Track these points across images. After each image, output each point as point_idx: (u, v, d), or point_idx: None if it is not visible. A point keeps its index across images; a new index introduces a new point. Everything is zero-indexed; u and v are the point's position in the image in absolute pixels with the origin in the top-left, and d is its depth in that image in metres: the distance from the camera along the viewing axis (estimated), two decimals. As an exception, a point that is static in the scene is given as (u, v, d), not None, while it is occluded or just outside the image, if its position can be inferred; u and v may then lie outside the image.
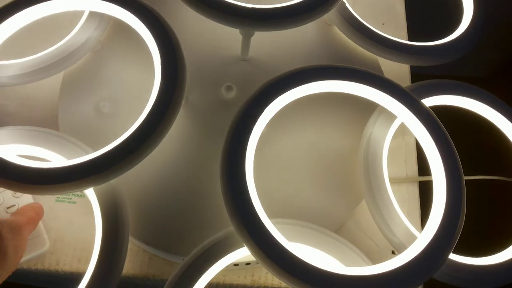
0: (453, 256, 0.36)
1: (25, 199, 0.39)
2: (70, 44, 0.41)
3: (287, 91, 0.35)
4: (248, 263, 0.38)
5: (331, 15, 0.45)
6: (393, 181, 0.43)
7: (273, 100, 0.35)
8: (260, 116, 0.34)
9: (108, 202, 0.34)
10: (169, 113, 0.34)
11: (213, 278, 0.38)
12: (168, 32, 0.37)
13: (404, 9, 0.53)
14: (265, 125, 0.35)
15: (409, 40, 0.51)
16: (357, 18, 0.44)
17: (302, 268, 0.30)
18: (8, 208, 0.39)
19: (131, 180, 0.37)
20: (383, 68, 0.47)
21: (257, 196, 0.32)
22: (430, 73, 0.52)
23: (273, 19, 0.38)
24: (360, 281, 0.30)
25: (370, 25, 0.45)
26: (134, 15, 0.37)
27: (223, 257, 0.34)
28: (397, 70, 0.47)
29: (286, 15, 0.38)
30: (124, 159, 0.32)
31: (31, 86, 0.42)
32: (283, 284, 0.39)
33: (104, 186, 0.34)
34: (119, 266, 0.34)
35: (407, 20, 0.53)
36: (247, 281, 0.39)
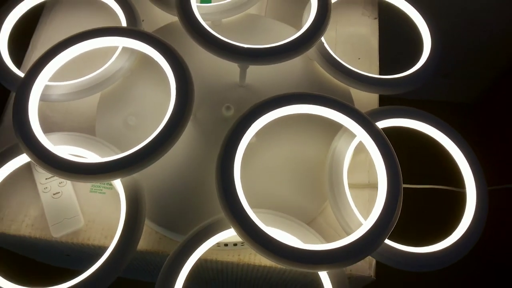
0: (392, 244, 0.46)
1: (67, 188, 0.51)
2: (107, 71, 0.53)
3: (270, 111, 0.47)
4: (235, 244, 0.49)
5: (312, 52, 0.56)
6: (357, 186, 0.53)
7: (258, 118, 0.46)
8: (248, 131, 0.45)
9: (131, 191, 0.46)
10: (180, 125, 0.45)
11: (207, 256, 0.49)
12: (181, 64, 0.48)
13: (378, 45, 0.64)
14: (251, 137, 0.46)
15: (380, 71, 0.62)
16: (332, 55, 0.56)
17: (274, 244, 0.41)
18: (54, 194, 0.50)
19: (149, 175, 0.49)
20: (356, 94, 0.57)
21: (242, 191, 0.43)
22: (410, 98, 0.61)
23: (263, 56, 0.49)
24: (314, 254, 0.40)
25: (347, 59, 0.56)
26: (156, 50, 0.49)
27: (214, 235, 0.45)
28: (368, 96, 0.58)
29: (273, 53, 0.50)
30: (144, 159, 0.43)
31: (74, 102, 0.54)
32: (263, 262, 0.49)
33: (129, 178, 0.46)
34: (136, 241, 0.45)
35: (380, 54, 0.64)
36: (235, 259, 0.50)
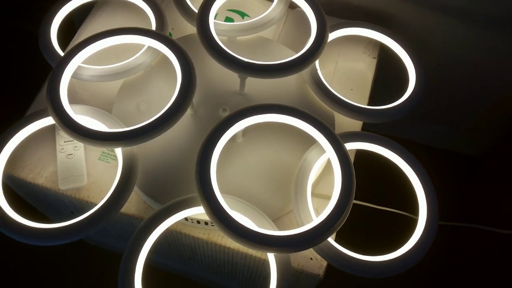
0: (342, 249, 0.53)
1: (79, 152, 0.61)
2: (132, 63, 0.63)
3: (253, 115, 0.55)
4: (206, 223, 0.57)
5: (306, 75, 0.65)
6: (322, 196, 0.60)
7: (242, 119, 0.54)
8: (230, 128, 0.54)
9: (127, 159, 0.55)
10: (179, 111, 0.54)
11: (182, 229, 0.57)
12: (189, 65, 0.58)
13: (372, 80, 0.71)
14: (232, 134, 0.54)
15: (370, 103, 0.70)
16: (322, 81, 0.64)
17: (231, 223, 0.48)
18: (68, 155, 0.60)
19: (148, 152, 0.58)
20: (341, 119, 0.65)
21: (215, 176, 0.51)
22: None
23: (258, 70, 0.58)
24: (264, 237, 0.48)
25: (341, 88, 0.64)
26: (172, 51, 0.59)
27: (185, 209, 0.53)
28: (351, 122, 0.65)
29: (267, 69, 0.58)
30: (142, 135, 0.53)
31: (101, 84, 0.65)
32: (227, 244, 0.57)
33: (128, 149, 0.56)
34: (126, 197, 0.54)
35: (373, 89, 0.72)
36: (204, 237, 0.57)
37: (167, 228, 0.54)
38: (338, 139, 0.55)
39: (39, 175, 0.60)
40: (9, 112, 0.67)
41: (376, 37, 0.70)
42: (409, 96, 0.65)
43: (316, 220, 0.50)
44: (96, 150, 0.62)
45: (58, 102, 0.55)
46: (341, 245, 0.54)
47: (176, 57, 0.58)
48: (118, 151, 0.57)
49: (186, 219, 0.57)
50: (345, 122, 0.65)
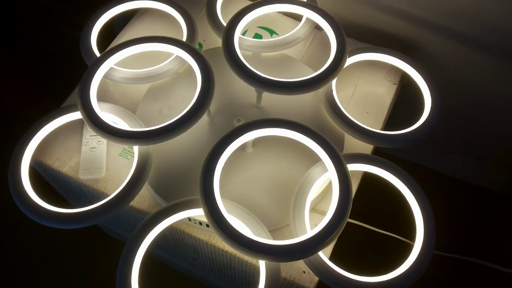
0: (336, 268, 0.54)
1: (102, 146, 0.66)
2: (160, 69, 0.68)
3: (258, 129, 0.58)
4: (207, 225, 0.60)
5: (320, 94, 0.67)
6: (321, 212, 0.62)
7: (248, 132, 0.57)
8: (237, 139, 0.57)
9: (142, 157, 0.60)
10: (194, 118, 0.58)
11: (185, 228, 0.60)
12: (210, 74, 0.61)
13: (389, 106, 0.73)
14: (239, 144, 0.57)
15: (384, 126, 0.71)
16: (336, 102, 0.66)
17: (227, 227, 0.51)
18: (91, 148, 0.66)
19: (162, 151, 0.63)
20: (352, 141, 0.66)
21: (218, 182, 0.54)
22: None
23: (273, 86, 0.61)
24: (256, 244, 0.50)
25: (357, 111, 0.66)
26: (195, 60, 0.63)
27: (186, 210, 0.56)
28: (361, 145, 0.67)
29: (282, 86, 0.61)
30: (157, 136, 0.57)
31: (131, 86, 0.70)
32: (225, 248, 0.60)
33: (143, 147, 0.60)
34: (134, 193, 0.58)
35: (390, 115, 0.73)
36: (205, 238, 0.61)
37: (172, 226, 0.58)
38: (340, 158, 0.56)
39: (64, 163, 0.66)
40: (51, 105, 0.73)
41: (395, 62, 0.71)
42: (421, 124, 0.65)
43: (309, 233, 0.52)
44: (118, 146, 0.67)
45: (87, 99, 0.60)
46: (334, 263, 0.55)
47: (198, 66, 0.62)
48: (135, 149, 0.61)
49: (189, 219, 0.60)
50: (356, 145, 0.67)
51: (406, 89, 0.78)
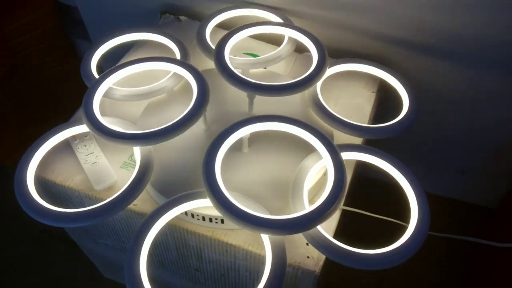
0: (340, 244, 0.56)
1: (102, 159, 0.68)
2: (157, 87, 0.73)
3: (254, 123, 0.62)
4: (210, 220, 0.61)
5: (307, 99, 0.73)
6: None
7: (246, 126, 0.62)
8: (235, 132, 0.61)
9: (144, 157, 0.63)
10: (186, 124, 0.62)
11: (188, 226, 0.62)
12: (205, 83, 0.67)
13: (370, 112, 0.78)
14: (237, 138, 0.62)
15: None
16: (323, 103, 0.71)
17: (230, 206, 0.54)
18: (92, 164, 0.67)
19: (162, 157, 0.66)
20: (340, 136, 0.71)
21: (220, 172, 0.57)
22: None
23: (263, 89, 0.67)
24: (259, 219, 0.52)
25: (341, 115, 0.72)
26: (190, 73, 0.69)
27: (190, 201, 0.59)
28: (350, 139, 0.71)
29: (270, 89, 0.67)
30: (157, 136, 0.61)
31: (126, 108, 0.75)
32: (230, 241, 0.61)
33: (145, 148, 0.64)
34: (140, 190, 0.61)
35: (370, 116, 0.78)
36: (209, 234, 0.62)
37: (175, 226, 0.60)
38: (331, 143, 0.61)
39: (67, 178, 0.68)
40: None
41: (371, 71, 0.79)
42: (403, 117, 0.71)
43: (308, 208, 0.55)
44: (118, 159, 0.70)
45: (90, 112, 0.64)
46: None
47: (193, 77, 0.68)
48: (137, 152, 0.64)
49: (192, 216, 0.62)
50: (344, 141, 0.71)
51: (383, 98, 0.85)
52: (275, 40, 0.86)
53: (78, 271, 1.12)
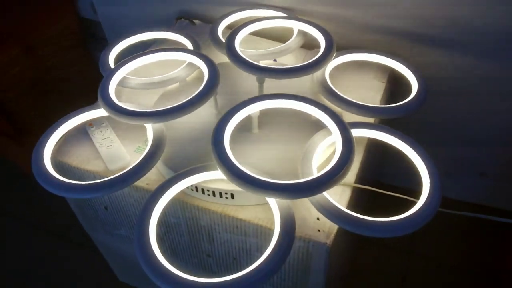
0: (354, 213, 0.56)
1: (116, 143, 0.70)
2: (171, 76, 0.76)
3: (265, 100, 0.64)
4: (220, 195, 0.62)
5: (316, 84, 0.74)
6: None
7: (258, 102, 0.63)
8: (241, 110, 0.63)
9: (156, 135, 0.65)
10: (199, 101, 0.64)
11: (199, 203, 0.63)
12: (215, 69, 0.69)
13: (379, 101, 0.79)
14: (247, 113, 0.63)
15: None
16: (330, 87, 0.72)
17: (237, 171, 0.54)
18: (107, 146, 0.70)
19: (175, 134, 0.68)
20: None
21: (229, 143, 0.59)
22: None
23: (271, 72, 0.69)
24: (267, 183, 0.53)
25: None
26: (202, 61, 0.71)
27: (200, 173, 0.60)
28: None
29: (279, 71, 0.69)
30: (170, 113, 0.63)
31: (145, 93, 0.78)
32: (239, 215, 0.61)
33: (158, 128, 0.65)
34: (150, 165, 0.62)
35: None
36: (219, 210, 0.62)
37: (185, 203, 0.62)
38: (336, 113, 0.62)
39: (84, 161, 0.70)
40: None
41: (380, 60, 0.80)
42: (413, 97, 0.72)
43: (317, 174, 0.55)
44: (133, 145, 0.72)
45: (106, 96, 0.67)
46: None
47: (205, 64, 0.71)
48: (150, 134, 0.66)
49: (203, 191, 0.62)
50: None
51: (393, 90, 0.85)
52: (284, 39, 0.88)
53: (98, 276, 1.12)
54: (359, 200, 0.72)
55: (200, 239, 0.70)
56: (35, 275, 1.15)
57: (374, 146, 0.74)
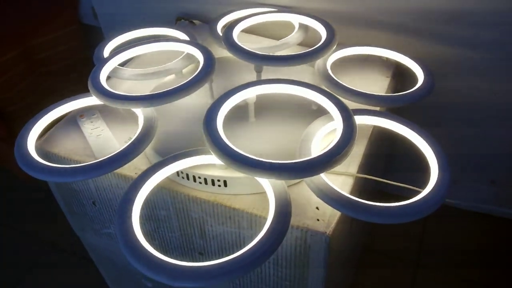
0: (358, 199, 0.51)
1: (106, 132, 0.67)
2: (167, 68, 0.73)
3: (263, 84, 0.61)
4: (213, 183, 0.58)
5: (317, 75, 0.71)
6: (334, 172, 0.60)
7: (255, 86, 0.60)
8: (235, 95, 0.59)
9: (146, 121, 0.61)
10: (193, 86, 0.61)
11: (190, 192, 0.59)
12: (211, 57, 0.67)
13: (386, 91, 0.76)
14: (241, 98, 0.60)
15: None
16: (332, 76, 0.69)
17: (231, 152, 0.51)
18: (97, 136, 0.67)
19: (168, 121, 0.65)
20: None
21: (221, 125, 0.55)
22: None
23: (269, 60, 0.66)
24: (261, 163, 0.49)
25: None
26: (199, 50, 0.69)
27: (191, 157, 0.56)
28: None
29: (276, 59, 0.66)
30: (161, 97, 0.60)
31: (140, 85, 0.75)
32: (232, 205, 0.57)
33: (148, 109, 0.62)
34: (145, 144, 0.59)
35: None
36: (211, 199, 0.58)
37: (176, 192, 0.58)
38: (332, 94, 0.59)
39: (72, 152, 0.66)
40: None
41: (384, 53, 0.77)
42: (419, 86, 0.69)
43: (314, 155, 0.51)
44: (124, 136, 0.68)
45: (97, 83, 0.65)
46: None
47: (201, 52, 0.68)
48: (140, 120, 0.63)
49: (194, 179, 0.58)
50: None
51: (398, 86, 0.82)
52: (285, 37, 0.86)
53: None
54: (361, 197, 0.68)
55: (191, 234, 0.65)
56: (29, 285, 1.12)
57: (380, 148, 0.70)
